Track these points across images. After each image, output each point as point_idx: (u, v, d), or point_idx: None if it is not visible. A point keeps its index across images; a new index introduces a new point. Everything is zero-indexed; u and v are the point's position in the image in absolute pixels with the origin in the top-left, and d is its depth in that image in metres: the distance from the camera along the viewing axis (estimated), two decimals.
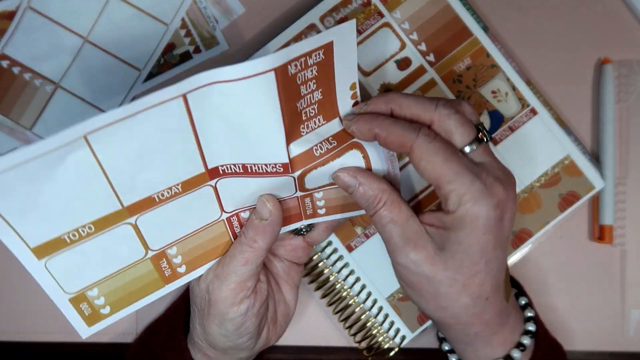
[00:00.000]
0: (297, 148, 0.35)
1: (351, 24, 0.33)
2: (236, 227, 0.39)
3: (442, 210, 0.34)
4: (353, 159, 0.36)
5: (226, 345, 0.40)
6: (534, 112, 0.48)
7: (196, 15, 0.49)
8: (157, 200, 0.34)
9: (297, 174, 0.36)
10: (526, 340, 0.38)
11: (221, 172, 0.35)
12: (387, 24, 0.48)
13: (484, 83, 0.48)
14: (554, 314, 0.48)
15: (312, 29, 0.48)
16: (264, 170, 0.35)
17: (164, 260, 0.37)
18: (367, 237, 0.47)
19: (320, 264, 0.47)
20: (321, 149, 0.35)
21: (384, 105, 0.36)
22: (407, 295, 0.37)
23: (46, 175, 0.30)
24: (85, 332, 0.37)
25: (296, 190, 0.37)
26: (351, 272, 0.47)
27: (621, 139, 0.49)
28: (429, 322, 0.47)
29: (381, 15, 0.48)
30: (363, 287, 0.47)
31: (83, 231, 0.33)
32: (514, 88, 0.48)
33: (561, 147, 0.48)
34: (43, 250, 0.33)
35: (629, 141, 0.49)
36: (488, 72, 0.48)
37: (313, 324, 0.49)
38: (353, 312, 0.48)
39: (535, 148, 0.48)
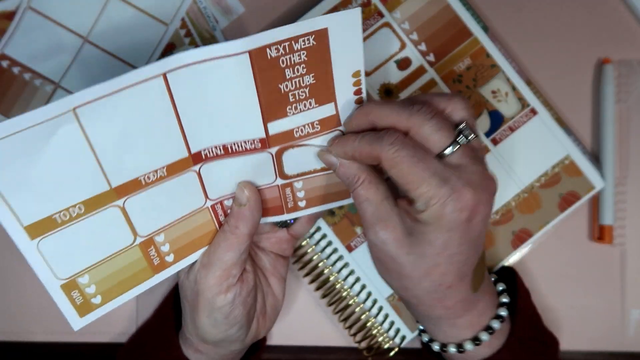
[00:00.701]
0: (277, 126, 0.37)
1: (355, 13, 0.34)
2: (220, 215, 0.40)
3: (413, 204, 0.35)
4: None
5: (217, 338, 0.40)
6: (534, 112, 0.48)
7: (196, 15, 0.49)
8: (144, 183, 0.36)
9: (274, 150, 0.37)
10: (496, 324, 0.39)
11: (204, 157, 0.37)
12: (387, 24, 0.48)
13: (484, 83, 0.48)
14: (554, 314, 0.48)
15: None
16: (244, 148, 0.37)
17: (152, 248, 0.38)
18: None
19: (320, 264, 0.47)
20: (302, 132, 0.37)
21: (364, 119, 0.36)
22: (376, 269, 0.38)
23: (37, 148, 0.32)
24: (77, 324, 0.37)
25: (276, 177, 0.39)
26: (351, 272, 0.47)
27: (621, 139, 0.49)
28: None
29: (381, 15, 0.48)
30: (363, 287, 0.47)
31: (73, 211, 0.34)
32: (514, 88, 0.48)
33: (561, 147, 0.48)
34: (35, 230, 0.34)
35: (629, 141, 0.49)
36: (488, 72, 0.48)
37: (313, 324, 0.49)
38: (353, 312, 0.48)
39: (535, 148, 0.48)
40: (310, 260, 0.47)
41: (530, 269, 0.49)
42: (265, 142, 0.37)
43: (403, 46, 0.48)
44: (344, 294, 0.47)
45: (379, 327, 0.47)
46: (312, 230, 0.47)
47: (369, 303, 0.47)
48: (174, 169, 0.36)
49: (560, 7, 0.50)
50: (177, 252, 0.39)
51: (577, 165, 0.47)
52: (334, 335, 0.49)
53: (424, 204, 0.33)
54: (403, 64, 0.48)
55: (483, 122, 0.48)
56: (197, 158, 0.37)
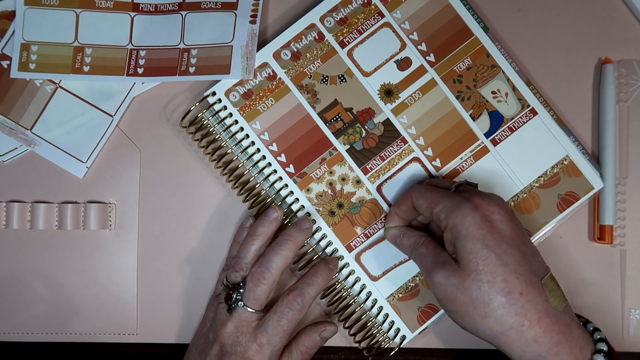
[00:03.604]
0: None
1: None
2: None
3: (444, 232, 0.40)
4: None
5: None
6: (534, 112, 0.48)
7: None
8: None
9: None
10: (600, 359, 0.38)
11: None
12: (387, 24, 0.48)
13: (484, 83, 0.48)
14: None
15: (312, 29, 0.48)
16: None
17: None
18: (367, 237, 0.47)
19: None
20: None
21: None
22: (455, 318, 0.40)
23: None
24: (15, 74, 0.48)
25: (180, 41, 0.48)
26: (351, 272, 0.47)
27: (621, 139, 0.49)
28: (429, 322, 0.47)
29: (381, 15, 0.48)
30: (363, 287, 0.47)
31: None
32: (514, 88, 0.48)
33: (561, 147, 0.48)
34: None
35: (629, 141, 0.49)
36: (488, 72, 0.48)
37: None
38: (353, 312, 0.48)
39: (534, 148, 0.48)
40: (311, 260, 0.47)
41: None
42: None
43: (403, 46, 0.48)
44: (344, 294, 0.47)
45: (379, 327, 0.47)
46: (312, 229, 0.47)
47: (369, 303, 0.47)
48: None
49: (560, 7, 0.50)
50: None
51: (577, 165, 0.47)
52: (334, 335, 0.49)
53: (445, 218, 0.40)
54: (403, 64, 0.48)
55: (483, 123, 0.48)
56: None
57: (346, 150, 0.47)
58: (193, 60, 0.47)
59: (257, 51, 0.47)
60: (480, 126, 0.48)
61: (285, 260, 0.44)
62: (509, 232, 0.39)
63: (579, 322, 0.40)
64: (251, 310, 0.43)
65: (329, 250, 0.47)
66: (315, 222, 0.47)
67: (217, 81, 0.47)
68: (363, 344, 0.47)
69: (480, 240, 0.38)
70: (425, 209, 0.42)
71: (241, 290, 0.43)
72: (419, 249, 0.43)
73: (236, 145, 0.48)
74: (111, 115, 0.49)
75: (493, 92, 0.48)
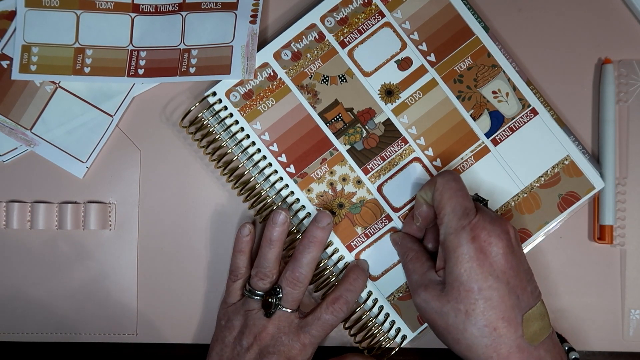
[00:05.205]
0: None
1: None
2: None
3: (439, 244, 0.41)
4: None
5: None
6: (534, 112, 0.48)
7: None
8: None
9: None
10: None
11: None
12: (388, 24, 0.48)
13: (484, 83, 0.48)
14: (554, 314, 0.48)
15: (312, 29, 0.48)
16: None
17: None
18: (368, 237, 0.47)
19: (320, 264, 0.47)
20: None
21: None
22: (438, 337, 0.42)
23: None
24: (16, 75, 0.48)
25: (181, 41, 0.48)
26: None
27: (621, 139, 0.49)
28: None
29: (382, 15, 0.48)
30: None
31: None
32: (514, 88, 0.48)
33: (561, 147, 0.48)
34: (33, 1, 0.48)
35: (629, 141, 0.49)
36: (489, 72, 0.48)
37: None
38: (353, 312, 0.48)
39: (535, 148, 0.48)
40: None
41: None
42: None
43: (404, 46, 0.48)
44: None
45: (379, 327, 0.47)
46: None
47: (369, 303, 0.47)
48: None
49: (561, 7, 0.50)
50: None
51: (577, 165, 0.47)
52: (334, 335, 0.49)
53: (443, 233, 0.40)
54: (404, 64, 0.48)
55: (483, 122, 0.48)
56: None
57: (347, 151, 0.47)
58: (193, 61, 0.47)
59: (258, 51, 0.47)
60: (480, 126, 0.48)
61: (315, 261, 0.45)
62: (501, 265, 0.38)
63: (557, 353, 0.40)
64: (290, 310, 0.45)
65: (329, 250, 0.47)
66: (334, 214, 0.47)
67: (218, 81, 0.47)
68: (364, 344, 0.47)
69: (468, 271, 0.38)
70: (436, 205, 0.41)
71: (279, 296, 0.44)
72: (407, 263, 0.44)
73: (236, 145, 0.48)
74: (111, 115, 0.49)
75: (494, 92, 0.48)
